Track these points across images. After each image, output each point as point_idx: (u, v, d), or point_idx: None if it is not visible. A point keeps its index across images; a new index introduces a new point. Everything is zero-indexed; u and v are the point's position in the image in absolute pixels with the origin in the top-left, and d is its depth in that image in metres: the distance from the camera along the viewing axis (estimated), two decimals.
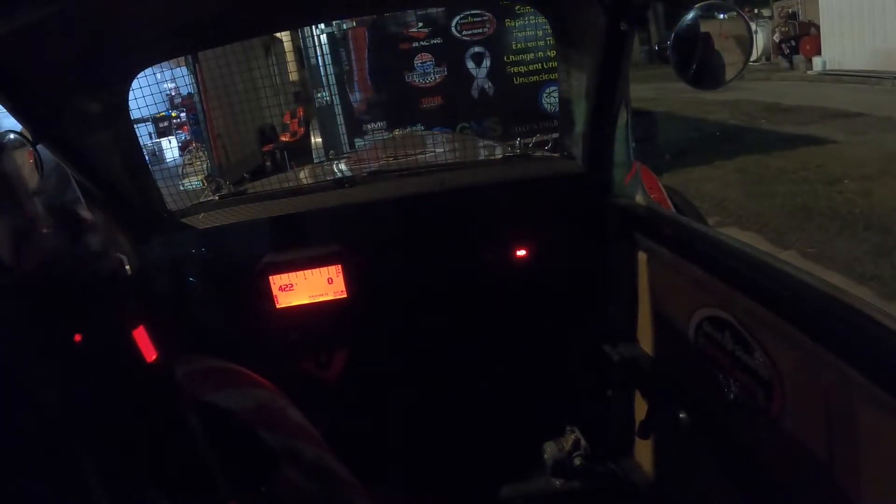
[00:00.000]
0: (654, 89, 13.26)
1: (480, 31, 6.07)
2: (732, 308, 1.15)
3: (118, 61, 1.47)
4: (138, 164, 1.67)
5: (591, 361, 1.67)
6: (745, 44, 1.16)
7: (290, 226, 1.75)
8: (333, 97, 6.09)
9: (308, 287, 1.71)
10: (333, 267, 1.69)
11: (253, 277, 1.69)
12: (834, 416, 0.93)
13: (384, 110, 6.19)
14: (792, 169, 6.54)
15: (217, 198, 1.91)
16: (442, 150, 2.49)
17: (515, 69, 6.14)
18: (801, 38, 15.43)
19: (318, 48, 6.00)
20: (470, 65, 6.13)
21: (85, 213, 1.43)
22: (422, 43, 6.06)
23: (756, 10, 17.88)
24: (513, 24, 6.07)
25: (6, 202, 1.15)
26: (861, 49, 12.56)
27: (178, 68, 6.76)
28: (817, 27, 14.48)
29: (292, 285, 1.70)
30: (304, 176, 2.65)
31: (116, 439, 1.20)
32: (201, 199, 1.98)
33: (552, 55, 5.83)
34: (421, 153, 2.44)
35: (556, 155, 1.89)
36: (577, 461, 1.61)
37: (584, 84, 1.55)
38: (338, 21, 5.66)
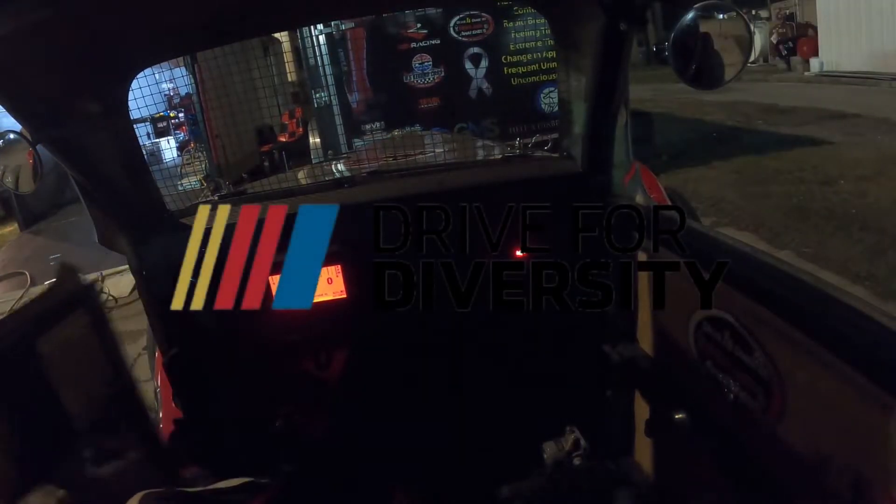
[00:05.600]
0: (651, 90, 13.27)
1: (478, 31, 6.08)
2: (732, 308, 1.15)
3: (118, 61, 1.46)
4: (137, 164, 1.66)
5: (591, 361, 1.67)
6: (745, 44, 1.16)
7: (289, 226, 1.74)
8: (332, 97, 6.09)
9: None
10: (333, 267, 1.69)
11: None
12: (834, 416, 0.93)
13: (382, 111, 6.19)
14: (788, 170, 6.56)
15: (216, 198, 1.91)
16: (441, 150, 2.48)
17: (513, 70, 6.14)
18: (798, 39, 15.47)
19: (316, 49, 5.99)
20: (468, 65, 6.13)
21: None
22: (420, 44, 6.07)
23: (754, 12, 17.89)
24: (511, 25, 6.08)
25: None
26: (858, 50, 12.60)
27: (178, 68, 6.75)
28: (815, 29, 14.52)
29: None
30: (303, 176, 2.64)
31: None
32: (200, 199, 1.97)
33: (550, 56, 5.84)
34: (420, 153, 2.44)
35: (555, 155, 1.89)
36: (576, 461, 1.61)
37: (584, 84, 1.55)
38: (336, 21, 5.66)
